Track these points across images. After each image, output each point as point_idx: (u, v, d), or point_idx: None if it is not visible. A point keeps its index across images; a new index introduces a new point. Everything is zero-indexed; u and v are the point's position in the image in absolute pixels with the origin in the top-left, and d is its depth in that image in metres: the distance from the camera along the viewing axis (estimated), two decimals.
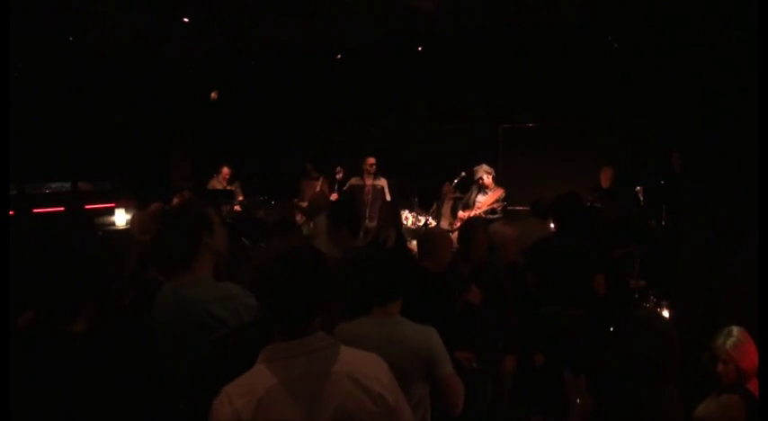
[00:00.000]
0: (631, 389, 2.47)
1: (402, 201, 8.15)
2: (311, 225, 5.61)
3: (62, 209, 7.29)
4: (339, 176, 8.11)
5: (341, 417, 1.67)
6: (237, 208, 8.37)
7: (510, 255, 4.35)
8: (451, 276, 3.79)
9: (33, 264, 1.89)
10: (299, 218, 8.13)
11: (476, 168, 7.53)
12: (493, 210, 7.34)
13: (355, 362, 1.75)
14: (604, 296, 4.34)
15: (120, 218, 8.44)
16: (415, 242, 7.48)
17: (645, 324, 2.49)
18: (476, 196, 7.50)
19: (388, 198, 8.04)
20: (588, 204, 6.83)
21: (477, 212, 7.34)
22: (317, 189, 8.00)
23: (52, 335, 1.83)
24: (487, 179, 7.45)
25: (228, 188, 8.75)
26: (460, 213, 7.48)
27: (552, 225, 5.24)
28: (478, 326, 3.72)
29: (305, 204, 8.18)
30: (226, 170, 8.79)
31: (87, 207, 7.56)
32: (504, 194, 7.47)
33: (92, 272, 1.91)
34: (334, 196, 8.00)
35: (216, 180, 8.86)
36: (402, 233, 7.53)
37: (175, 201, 7.90)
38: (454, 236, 7.26)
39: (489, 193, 7.45)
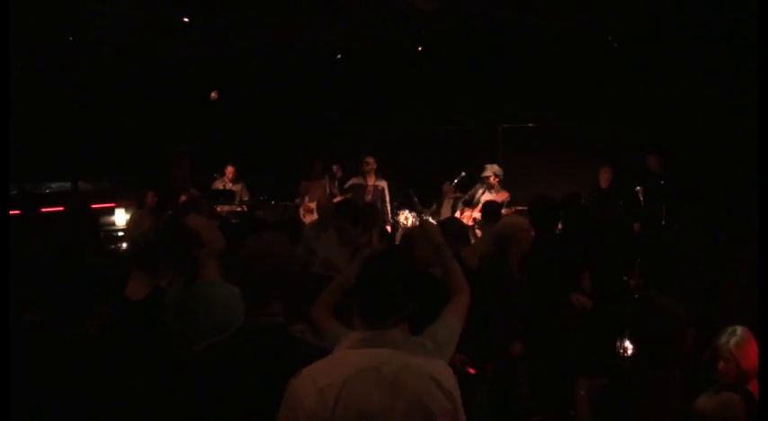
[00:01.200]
0: (638, 370, 2.55)
1: (402, 201, 8.16)
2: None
3: (62, 208, 7.30)
4: (339, 174, 8.11)
5: (418, 410, 1.72)
6: (242, 208, 8.39)
7: (525, 246, 4.18)
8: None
9: (48, 267, 1.90)
10: (307, 218, 8.17)
11: (487, 165, 7.48)
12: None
13: (431, 359, 1.86)
14: (590, 293, 4.33)
15: (120, 218, 8.45)
16: None
17: (657, 307, 2.54)
18: (481, 195, 7.47)
19: (388, 199, 8.04)
20: (587, 204, 6.83)
21: (478, 211, 7.32)
22: (327, 190, 8.02)
23: (67, 336, 1.84)
24: (494, 180, 7.42)
25: (231, 188, 8.75)
26: (460, 213, 7.46)
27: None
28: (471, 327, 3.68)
29: (312, 204, 8.22)
30: (230, 169, 8.79)
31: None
32: (508, 198, 7.42)
33: (105, 274, 1.93)
34: (338, 196, 8.00)
35: (219, 180, 8.86)
36: (386, 233, 7.54)
37: (183, 198, 7.93)
38: None
39: (494, 195, 7.43)
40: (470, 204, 7.47)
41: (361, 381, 1.71)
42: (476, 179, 7.58)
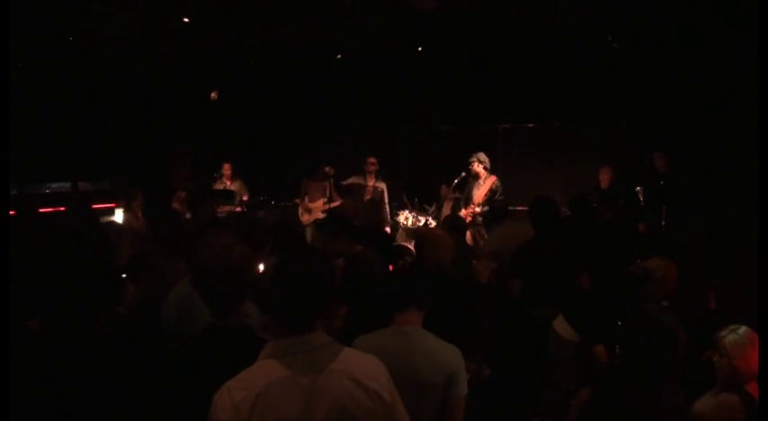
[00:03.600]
0: (635, 382, 2.51)
1: (402, 202, 8.15)
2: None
3: (62, 208, 7.30)
4: (331, 173, 8.12)
5: (338, 414, 1.70)
6: (241, 208, 8.39)
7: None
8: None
9: (55, 265, 1.90)
10: (305, 218, 8.17)
11: (471, 160, 7.33)
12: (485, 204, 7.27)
13: (353, 361, 1.79)
14: (588, 293, 4.33)
15: (120, 218, 8.44)
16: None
17: (651, 319, 2.52)
18: (471, 190, 7.40)
19: (387, 200, 8.03)
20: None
21: (474, 209, 7.28)
22: (327, 192, 8.01)
23: (69, 334, 1.84)
24: (477, 167, 7.25)
25: (229, 187, 8.75)
26: (463, 211, 7.43)
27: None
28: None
29: (312, 205, 8.22)
30: (227, 166, 8.79)
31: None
32: (497, 182, 7.27)
33: (108, 271, 1.93)
34: (336, 197, 8.01)
35: (218, 181, 8.85)
36: (385, 231, 7.49)
37: (175, 204, 7.91)
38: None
39: (482, 184, 7.31)
40: (467, 202, 7.44)
41: (275, 393, 1.68)
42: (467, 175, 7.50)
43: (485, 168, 7.29)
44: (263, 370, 1.73)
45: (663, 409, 2.44)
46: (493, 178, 7.29)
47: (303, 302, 1.77)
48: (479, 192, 7.27)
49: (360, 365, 1.78)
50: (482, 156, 7.28)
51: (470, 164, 7.26)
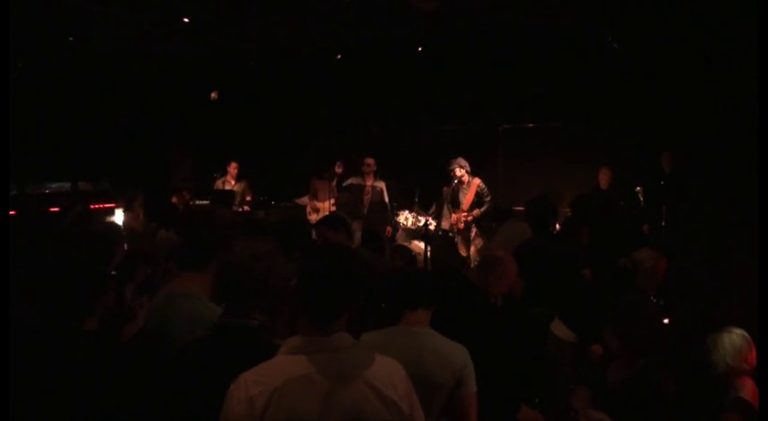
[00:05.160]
0: (625, 360, 2.77)
1: (402, 202, 8.14)
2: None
3: (60, 208, 7.29)
4: (339, 170, 8.10)
5: (352, 419, 1.68)
6: (246, 208, 8.39)
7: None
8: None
9: (50, 261, 1.90)
10: (312, 217, 8.18)
11: (452, 166, 7.34)
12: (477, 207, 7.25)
13: (374, 367, 1.75)
14: (582, 292, 4.33)
15: (120, 218, 8.44)
16: (415, 242, 7.50)
17: (635, 306, 2.86)
18: (458, 196, 7.39)
19: (386, 200, 8.03)
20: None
21: (463, 215, 7.25)
22: (335, 191, 8.03)
23: (65, 332, 1.84)
24: (460, 172, 7.26)
25: (233, 187, 8.75)
26: (453, 216, 7.42)
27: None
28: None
29: (319, 204, 8.22)
30: (234, 165, 8.79)
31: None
32: (481, 184, 7.27)
33: (103, 269, 1.93)
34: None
35: (221, 180, 8.85)
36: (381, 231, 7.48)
37: (174, 200, 7.91)
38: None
39: (467, 190, 7.32)
40: (456, 206, 7.43)
41: (292, 391, 1.65)
42: (449, 179, 7.48)
43: (467, 172, 7.32)
44: (283, 365, 1.70)
45: (651, 380, 2.69)
46: (477, 181, 7.33)
47: (334, 300, 1.73)
48: (466, 196, 7.29)
49: (379, 372, 1.74)
50: (461, 160, 7.34)
51: (452, 171, 7.30)
